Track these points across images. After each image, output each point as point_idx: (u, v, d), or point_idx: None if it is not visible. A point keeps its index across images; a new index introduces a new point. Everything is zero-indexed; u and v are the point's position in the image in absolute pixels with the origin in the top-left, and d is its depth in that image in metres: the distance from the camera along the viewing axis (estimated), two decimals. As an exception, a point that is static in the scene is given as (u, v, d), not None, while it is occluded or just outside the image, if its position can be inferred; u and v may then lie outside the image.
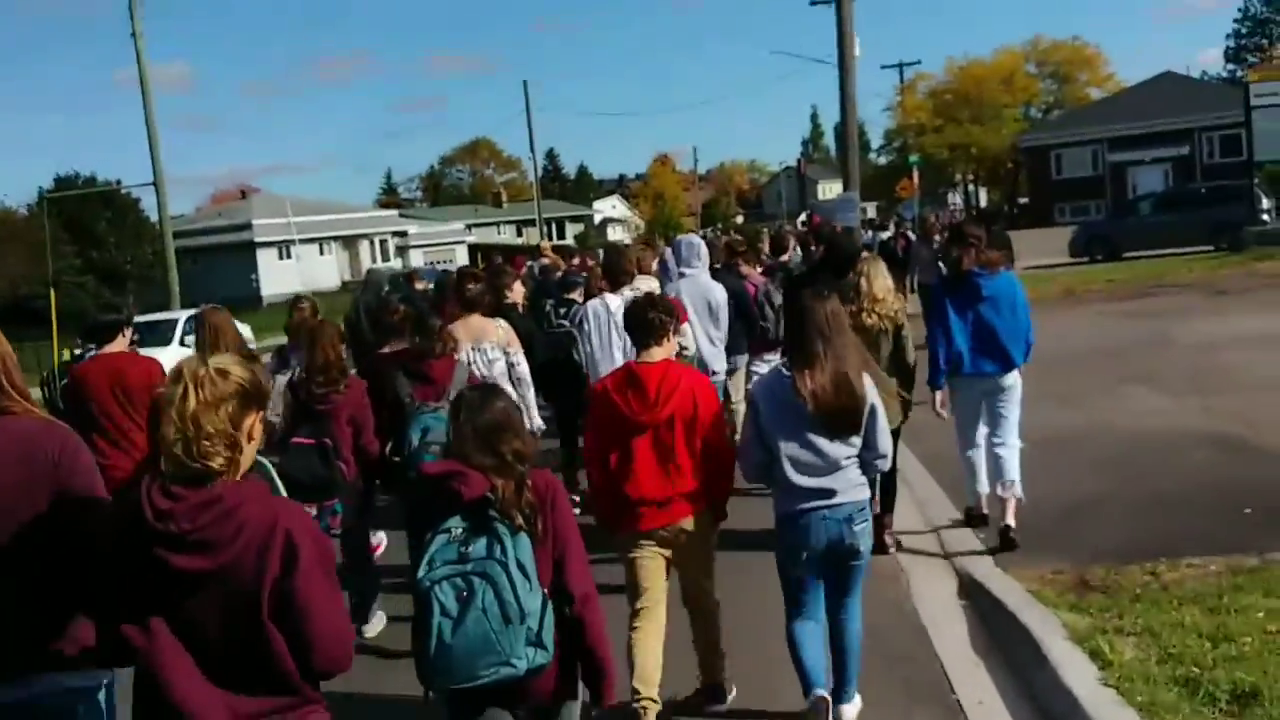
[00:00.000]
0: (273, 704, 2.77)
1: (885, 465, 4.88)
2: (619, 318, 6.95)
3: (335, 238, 58.74)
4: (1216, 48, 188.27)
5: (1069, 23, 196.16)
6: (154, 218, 57.86)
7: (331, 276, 53.79)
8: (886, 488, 7.12)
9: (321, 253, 56.52)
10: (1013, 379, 7.20)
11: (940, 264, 10.13)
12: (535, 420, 7.34)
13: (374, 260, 60.40)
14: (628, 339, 5.50)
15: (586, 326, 7.71)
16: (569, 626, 3.48)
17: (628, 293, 7.36)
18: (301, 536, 2.73)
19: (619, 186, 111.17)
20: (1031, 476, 7.40)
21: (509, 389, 6.43)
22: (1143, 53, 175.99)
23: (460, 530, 3.41)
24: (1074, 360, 12.97)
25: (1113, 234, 31.80)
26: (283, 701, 2.78)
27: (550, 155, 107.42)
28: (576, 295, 9.75)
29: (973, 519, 7.53)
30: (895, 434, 6.44)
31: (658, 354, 4.98)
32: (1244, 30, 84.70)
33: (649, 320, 5.01)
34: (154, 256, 45.92)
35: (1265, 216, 28.84)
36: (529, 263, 19.07)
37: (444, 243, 65.75)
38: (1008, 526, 6.95)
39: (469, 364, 6.86)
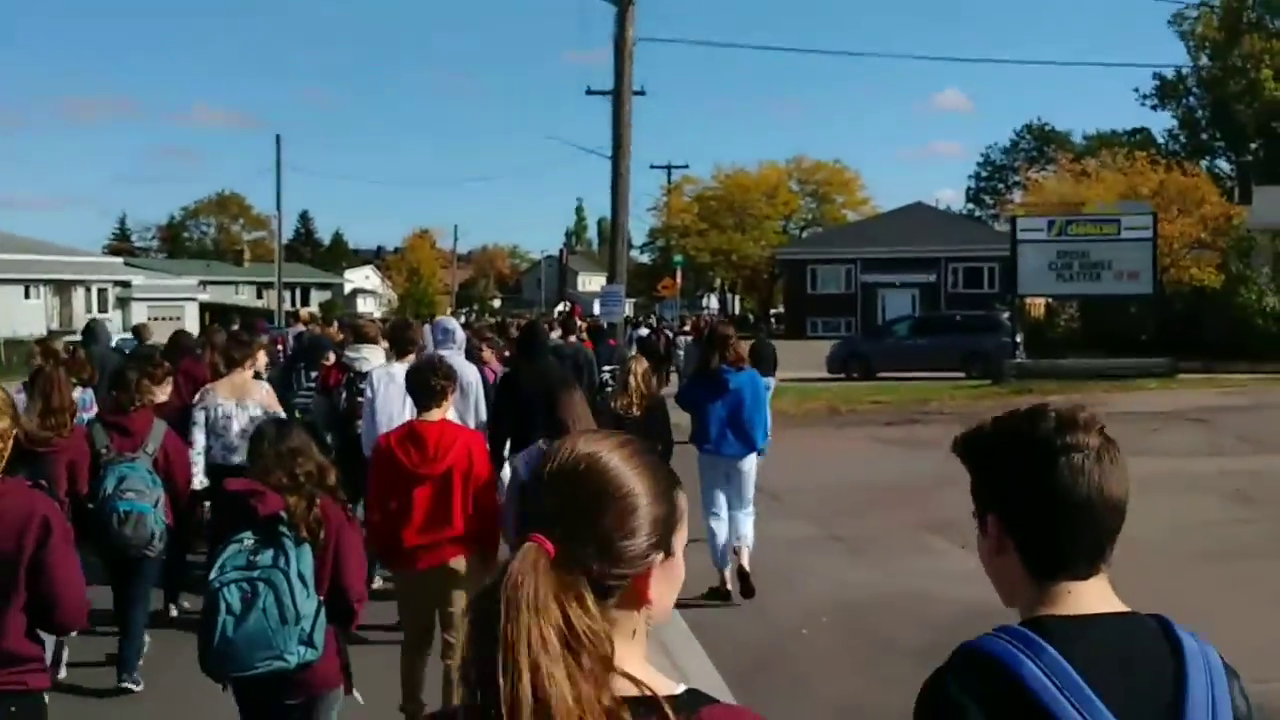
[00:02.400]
0: (7, 653, 3.34)
1: None
2: (400, 385, 7.18)
3: (45, 281, 53.09)
4: (954, 188, 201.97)
5: (829, 146, 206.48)
6: None
7: (37, 322, 48.36)
8: None
9: (27, 295, 50.88)
10: (751, 460, 8.38)
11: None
12: None
13: (89, 310, 55.09)
14: (405, 404, 6.49)
15: (371, 392, 7.81)
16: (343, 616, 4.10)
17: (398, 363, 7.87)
18: (54, 519, 3.43)
19: (375, 258, 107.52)
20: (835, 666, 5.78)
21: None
22: (892, 184, 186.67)
23: (251, 541, 3.95)
24: (857, 496, 11.47)
25: (869, 353, 31.66)
26: (13, 651, 3.36)
27: (304, 218, 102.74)
28: (328, 361, 9.96)
29: (717, 593, 8.15)
30: None
31: (436, 414, 5.49)
32: (984, 174, 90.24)
33: (431, 385, 5.51)
34: None
35: (1016, 350, 29.01)
36: (294, 329, 17.06)
37: (173, 298, 60.74)
38: (744, 572, 8.04)
39: (232, 418, 7.67)
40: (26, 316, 48.12)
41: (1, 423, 3.40)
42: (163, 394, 7.29)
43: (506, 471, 6.72)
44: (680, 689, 1.45)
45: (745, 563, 8.08)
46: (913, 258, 55.21)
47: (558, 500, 1.43)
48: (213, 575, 3.94)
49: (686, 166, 68.80)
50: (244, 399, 7.82)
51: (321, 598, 4.00)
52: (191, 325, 53.83)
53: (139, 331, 14.00)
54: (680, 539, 1.51)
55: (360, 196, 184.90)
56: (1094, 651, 1.64)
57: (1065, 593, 1.72)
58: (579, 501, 1.42)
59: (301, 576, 3.92)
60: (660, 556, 1.47)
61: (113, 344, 13.00)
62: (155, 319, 54.68)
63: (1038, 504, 1.72)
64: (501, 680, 1.30)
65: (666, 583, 1.49)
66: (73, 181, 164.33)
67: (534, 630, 1.31)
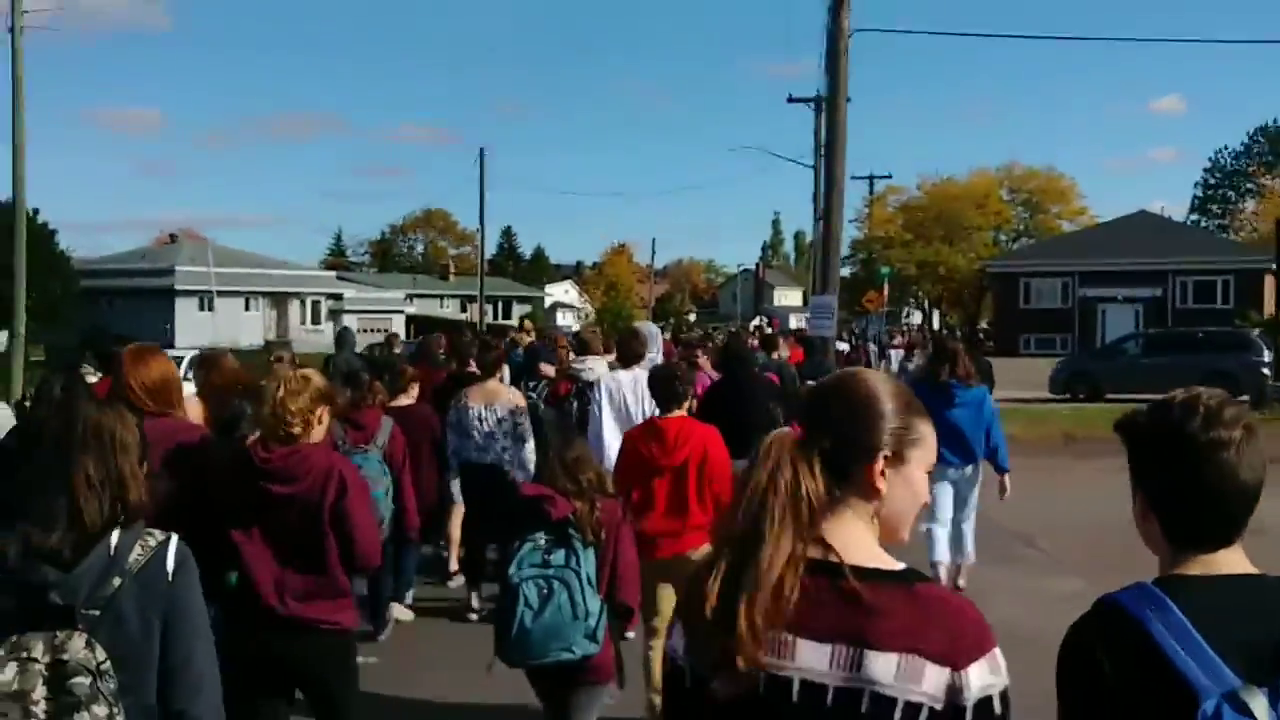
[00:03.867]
0: (325, 588, 4.13)
1: None
2: (628, 391, 7.97)
3: (264, 294, 55.19)
4: (1171, 198, 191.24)
5: (1039, 154, 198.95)
6: (74, 254, 54.49)
7: (255, 333, 50.22)
8: None
9: (247, 308, 52.96)
10: (973, 470, 8.74)
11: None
12: (530, 469, 8.20)
13: (303, 321, 57.01)
14: (633, 409, 7.71)
15: (597, 400, 8.20)
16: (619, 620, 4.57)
17: (620, 371, 8.47)
18: (349, 474, 4.23)
19: (574, 272, 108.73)
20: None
21: (511, 445, 8.25)
22: (1105, 194, 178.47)
23: (544, 541, 4.42)
24: (1125, 541, 9.70)
25: (1097, 372, 29.30)
26: (327, 587, 4.14)
27: (507, 233, 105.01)
28: (550, 371, 11.05)
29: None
30: None
31: (676, 413, 6.01)
32: (1211, 181, 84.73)
33: (674, 388, 6.07)
34: (61, 293, 42.31)
35: (1265, 370, 26.39)
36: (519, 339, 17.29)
37: (381, 310, 62.27)
38: (958, 587, 8.47)
39: (482, 420, 8.29)
40: (247, 327, 50.05)
41: (317, 408, 4.25)
42: (408, 398, 8.37)
43: None
44: (900, 566, 1.85)
45: (963, 580, 8.77)
46: (1136, 270, 51.90)
47: (813, 401, 1.94)
48: (511, 571, 4.41)
49: (889, 176, 66.67)
50: (493, 403, 8.43)
51: (601, 597, 4.44)
52: (400, 337, 55.12)
53: (345, 337, 14.66)
54: (917, 457, 1.90)
55: (561, 211, 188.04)
56: (1216, 607, 1.88)
57: (1197, 560, 1.97)
58: (826, 400, 1.91)
59: (589, 577, 4.39)
60: (889, 455, 1.87)
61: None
62: (364, 330, 56.14)
63: (1178, 490, 1.96)
64: (741, 526, 1.82)
65: (901, 486, 1.89)
66: (287, 200, 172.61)
67: (772, 484, 1.83)
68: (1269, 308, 50.01)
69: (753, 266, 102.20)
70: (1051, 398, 27.55)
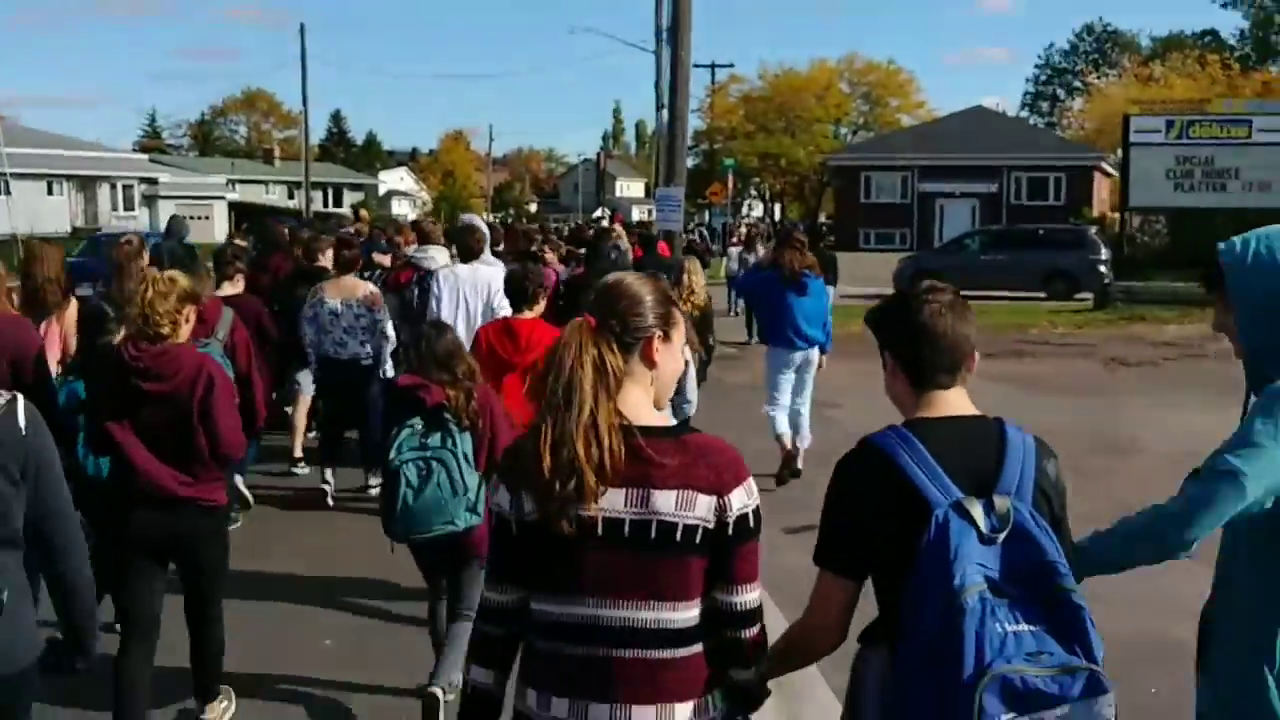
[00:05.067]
0: (193, 475, 4.44)
1: (691, 410, 7.43)
2: (466, 286, 8.12)
3: (68, 177, 51.15)
4: (1004, 94, 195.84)
5: (879, 48, 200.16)
6: None
7: (60, 219, 46.57)
8: None
9: (50, 192, 48.99)
10: (815, 354, 9.30)
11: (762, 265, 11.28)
12: (388, 369, 8.58)
13: (114, 207, 53.31)
14: (472, 302, 7.98)
15: (436, 291, 8.24)
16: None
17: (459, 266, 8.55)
18: (217, 374, 4.49)
19: (410, 159, 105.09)
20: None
21: (370, 340, 8.54)
22: (941, 90, 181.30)
23: (420, 426, 4.70)
24: None
25: (940, 269, 28.98)
26: (200, 473, 4.46)
27: (336, 118, 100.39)
28: (385, 260, 11.58)
29: (787, 465, 9.11)
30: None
31: (528, 314, 6.27)
32: (1042, 79, 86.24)
33: (525, 288, 6.30)
34: None
35: (1102, 268, 26.47)
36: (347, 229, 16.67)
37: (201, 196, 58.61)
38: (793, 454, 9.13)
39: (339, 316, 8.50)
40: (50, 214, 46.24)
41: (179, 303, 4.46)
42: (233, 287, 8.05)
43: None
44: (673, 423, 2.49)
45: (800, 463, 9.10)
46: (972, 165, 52.27)
47: (595, 300, 2.37)
48: (391, 455, 4.69)
49: (732, 65, 65.94)
50: (349, 298, 8.53)
51: (480, 472, 4.71)
52: (220, 224, 51.93)
53: (175, 226, 14.53)
54: (676, 337, 2.41)
55: (393, 96, 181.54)
56: (946, 441, 2.41)
57: (932, 400, 2.52)
58: (607, 298, 2.36)
59: (466, 456, 4.69)
60: (660, 334, 2.38)
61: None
62: (184, 217, 52.88)
63: (911, 340, 2.53)
64: (562, 396, 2.26)
65: (669, 358, 2.40)
66: (105, 81, 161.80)
67: (579, 362, 2.26)
68: (1098, 206, 51.12)
69: (594, 157, 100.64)
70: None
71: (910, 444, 2.39)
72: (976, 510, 2.28)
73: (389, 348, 8.69)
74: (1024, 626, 2.20)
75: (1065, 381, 14.28)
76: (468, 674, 2.47)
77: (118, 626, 4.78)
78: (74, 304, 6.21)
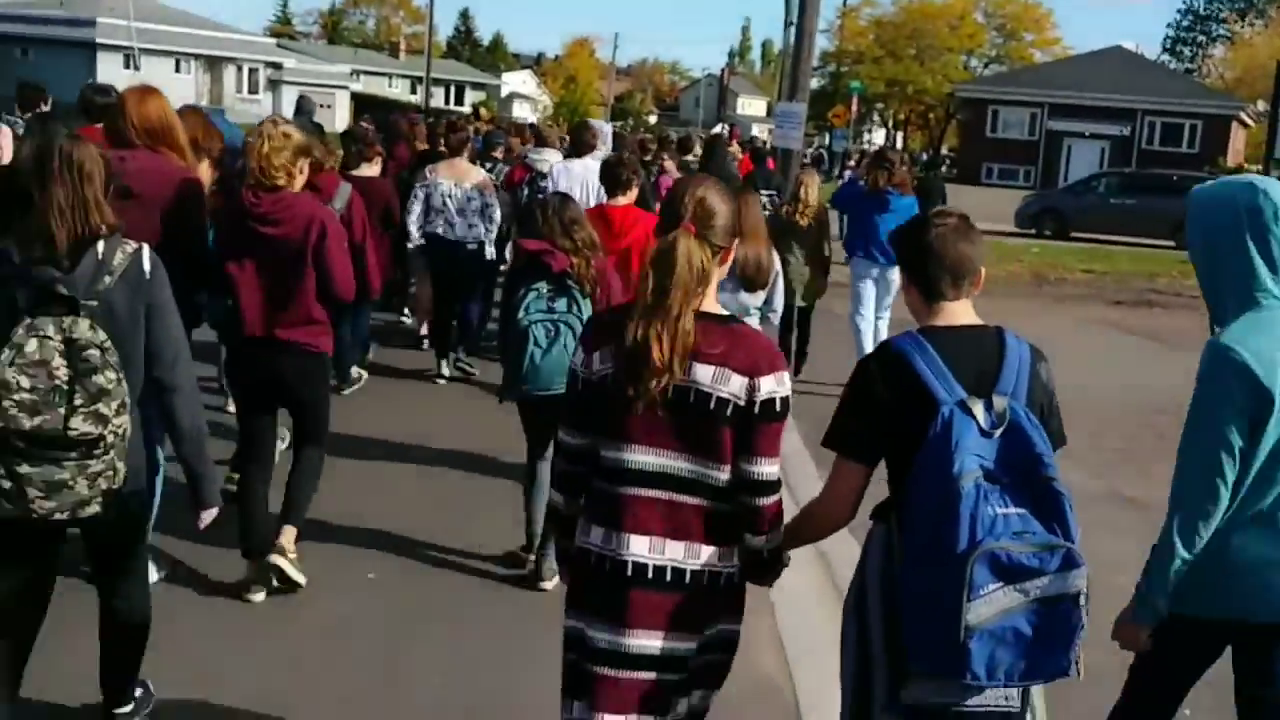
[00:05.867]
0: (304, 316, 4.79)
1: (776, 319, 6.72)
2: (577, 179, 8.57)
3: (196, 55, 51.92)
4: (1144, 39, 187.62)
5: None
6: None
7: (186, 97, 47.36)
8: (801, 349, 9.74)
9: (178, 69, 49.82)
10: (894, 271, 8.78)
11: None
12: (490, 251, 8.99)
13: (239, 89, 54.14)
14: (581, 196, 7.93)
15: (553, 180, 8.72)
16: None
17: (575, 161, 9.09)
18: (329, 221, 4.82)
19: (534, 63, 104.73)
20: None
21: (480, 224, 8.79)
22: (1080, 28, 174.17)
23: (547, 290, 4.96)
24: (1129, 423, 8.45)
25: (1067, 209, 28.15)
26: (306, 316, 4.79)
27: (464, 16, 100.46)
28: (498, 154, 11.78)
29: None
30: (811, 307, 9.73)
31: (622, 201, 6.52)
32: (1184, 24, 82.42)
33: (618, 175, 6.56)
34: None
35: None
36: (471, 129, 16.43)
37: (324, 84, 59.11)
38: None
39: (450, 197, 8.73)
40: (177, 91, 47.16)
41: (293, 156, 4.78)
42: (370, 169, 8.65)
43: None
44: (727, 313, 2.77)
45: None
46: (1105, 106, 50.44)
47: (700, 208, 2.71)
48: (520, 316, 4.97)
49: (865, -12, 63.96)
50: (462, 180, 8.80)
51: None
52: (342, 114, 52.34)
53: (304, 104, 14.92)
54: (737, 241, 2.84)
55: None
56: (953, 346, 2.71)
57: (940, 310, 2.81)
58: (703, 210, 2.71)
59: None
60: (734, 242, 2.82)
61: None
62: (311, 98, 53.42)
63: (920, 257, 2.82)
64: (663, 289, 2.63)
65: (732, 256, 2.84)
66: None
67: (686, 262, 2.63)
68: (1234, 157, 48.95)
69: (718, 72, 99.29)
70: (1016, 231, 26.48)
71: (923, 348, 2.68)
72: (978, 408, 2.59)
73: (494, 232, 8.92)
74: (1012, 510, 2.51)
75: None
76: (552, 497, 2.97)
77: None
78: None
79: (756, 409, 2.63)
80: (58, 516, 3.10)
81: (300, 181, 4.83)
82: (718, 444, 2.65)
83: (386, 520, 5.88)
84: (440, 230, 8.72)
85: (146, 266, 3.26)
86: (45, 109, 9.15)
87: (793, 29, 20.00)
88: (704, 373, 2.62)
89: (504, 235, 9.33)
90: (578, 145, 9.35)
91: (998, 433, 2.57)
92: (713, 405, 2.63)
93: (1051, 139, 51.91)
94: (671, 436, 2.67)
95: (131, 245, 3.26)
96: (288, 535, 4.98)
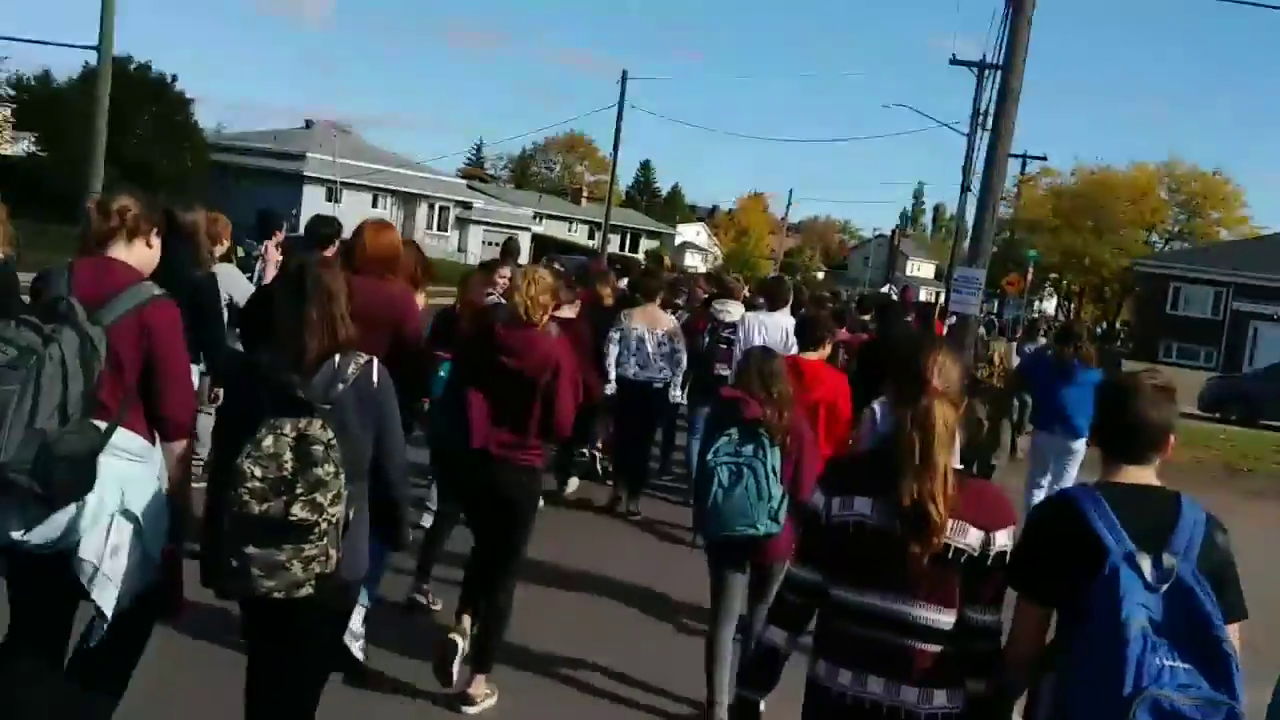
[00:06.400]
0: (520, 439, 5.24)
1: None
2: (771, 331, 9.10)
3: (392, 191, 54.85)
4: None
5: (1202, 155, 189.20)
6: (221, 128, 54.67)
7: (380, 233, 49.72)
8: None
9: (374, 204, 52.68)
10: (1081, 444, 9.25)
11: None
12: (676, 394, 9.59)
13: (429, 225, 56.71)
14: (776, 348, 7.60)
15: (745, 331, 9.26)
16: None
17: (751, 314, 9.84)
18: (565, 362, 5.25)
19: (708, 215, 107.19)
20: None
21: (668, 367, 9.44)
22: (1270, 207, 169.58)
23: (736, 435, 5.15)
24: None
25: (1256, 394, 26.69)
26: (527, 440, 5.25)
27: (645, 168, 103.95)
28: (680, 301, 12.26)
29: None
30: (992, 468, 10.26)
31: (814, 355, 6.81)
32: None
33: (815, 332, 6.92)
34: (192, 165, 42.26)
35: None
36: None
37: (508, 225, 61.64)
38: None
39: (643, 341, 9.36)
40: (371, 224, 49.57)
41: (549, 297, 5.33)
42: (570, 310, 8.60)
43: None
44: (960, 466, 2.99)
45: None
46: (1301, 289, 48.54)
47: (938, 368, 2.99)
48: (709, 458, 5.16)
49: (1044, 158, 63.76)
50: (654, 326, 9.39)
51: (785, 485, 5.13)
52: (522, 254, 54.21)
53: (512, 246, 15.29)
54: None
55: (702, 152, 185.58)
56: (1128, 503, 2.83)
57: (1122, 470, 2.95)
58: (947, 368, 3.01)
59: (774, 468, 5.08)
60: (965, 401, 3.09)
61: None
62: (489, 243, 55.59)
63: (1108, 423, 3.02)
64: (929, 446, 2.87)
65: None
66: (437, 106, 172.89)
67: (941, 422, 2.88)
68: None
69: (888, 233, 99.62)
70: (1197, 414, 25.44)
71: (1096, 500, 2.83)
72: (1145, 563, 2.68)
73: (679, 376, 9.48)
74: (1179, 664, 2.59)
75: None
76: (764, 633, 3.11)
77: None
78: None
79: (989, 560, 2.86)
80: (275, 595, 3.32)
81: (546, 320, 5.33)
82: (950, 592, 2.87)
83: (554, 643, 6.14)
84: (631, 373, 9.27)
85: (375, 378, 3.58)
86: (281, 235, 9.87)
87: (970, 195, 20.21)
88: (946, 525, 2.85)
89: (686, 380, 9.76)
90: (773, 299, 9.86)
91: (1164, 588, 2.65)
92: (949, 554, 2.85)
93: (1237, 320, 50.28)
94: (911, 583, 2.87)
95: (363, 358, 3.59)
96: (478, 686, 5.26)
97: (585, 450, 10.93)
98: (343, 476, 3.35)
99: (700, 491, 5.23)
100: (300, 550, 3.29)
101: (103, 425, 3.54)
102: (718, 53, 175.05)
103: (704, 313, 10.83)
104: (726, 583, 5.40)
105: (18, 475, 3.34)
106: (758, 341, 8.76)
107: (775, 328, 9.16)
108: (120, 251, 3.86)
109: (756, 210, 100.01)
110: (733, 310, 10.10)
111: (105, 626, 3.57)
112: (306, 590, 3.35)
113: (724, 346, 9.61)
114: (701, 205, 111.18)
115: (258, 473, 3.25)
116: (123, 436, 3.59)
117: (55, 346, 3.43)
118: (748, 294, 13.13)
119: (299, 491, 3.26)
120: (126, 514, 3.58)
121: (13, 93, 41.49)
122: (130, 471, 3.60)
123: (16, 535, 3.45)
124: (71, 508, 3.45)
